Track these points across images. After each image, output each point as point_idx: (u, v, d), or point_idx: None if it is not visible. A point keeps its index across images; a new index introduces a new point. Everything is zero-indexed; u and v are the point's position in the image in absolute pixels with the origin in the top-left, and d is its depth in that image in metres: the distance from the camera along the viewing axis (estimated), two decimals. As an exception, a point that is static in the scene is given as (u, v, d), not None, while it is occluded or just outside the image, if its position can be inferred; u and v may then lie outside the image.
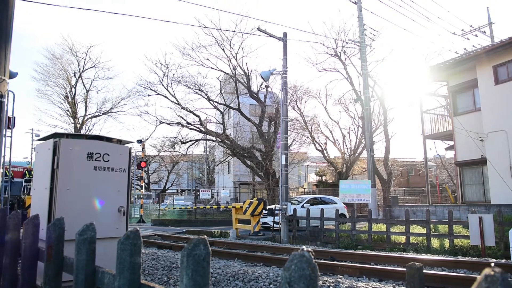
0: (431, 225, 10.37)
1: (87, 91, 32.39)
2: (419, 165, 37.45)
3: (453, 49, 29.18)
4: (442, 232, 10.21)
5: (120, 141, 4.65)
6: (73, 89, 31.96)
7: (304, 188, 36.93)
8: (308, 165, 42.48)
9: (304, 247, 1.15)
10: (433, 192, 25.22)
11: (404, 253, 8.97)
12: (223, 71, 23.91)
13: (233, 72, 23.32)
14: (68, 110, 31.93)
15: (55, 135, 4.28)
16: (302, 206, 14.96)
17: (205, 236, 1.54)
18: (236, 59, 23.11)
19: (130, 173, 4.55)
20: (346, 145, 31.95)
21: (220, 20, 27.97)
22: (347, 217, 14.98)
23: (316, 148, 31.05)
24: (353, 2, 18.61)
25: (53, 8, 59.59)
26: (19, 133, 68.29)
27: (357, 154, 31.30)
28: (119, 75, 58.40)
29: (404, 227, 9.94)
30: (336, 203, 16.23)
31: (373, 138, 26.72)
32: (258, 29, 11.95)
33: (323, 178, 34.96)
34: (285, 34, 12.37)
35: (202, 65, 23.60)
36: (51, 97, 31.47)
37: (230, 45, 22.72)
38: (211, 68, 23.64)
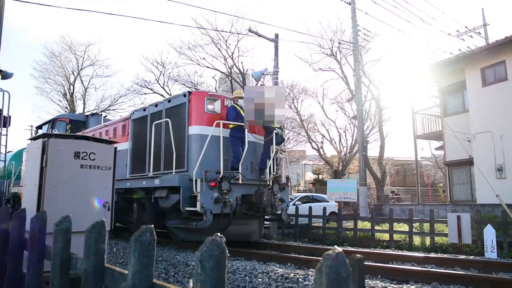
0: (418, 224, 10.73)
1: (86, 89, 32.74)
2: (414, 164, 37.75)
3: (448, 50, 29.48)
4: (426, 230, 10.52)
5: (106, 141, 4.97)
6: (71, 87, 32.28)
7: (300, 186, 37.25)
8: (305, 164, 42.82)
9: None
10: (426, 191, 25.56)
11: (387, 250, 9.30)
12: (219, 70, 24.25)
13: (229, 71, 23.64)
14: (66, 108, 32.26)
15: (44, 135, 4.60)
16: (294, 204, 15.28)
17: (152, 226, 1.86)
18: (232, 59, 23.44)
19: (115, 170, 4.87)
20: (342, 144, 32.25)
21: (216, 20, 28.37)
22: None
23: (313, 147, 31.37)
24: (347, 3, 18.89)
25: (50, 6, 59.92)
26: (18, 129, 68.65)
27: (353, 153, 31.60)
28: (118, 73, 58.64)
29: (388, 225, 10.27)
30: (328, 201, 16.55)
31: (368, 137, 27.10)
32: (250, 30, 12.28)
33: (320, 176, 35.28)
34: (276, 36, 12.68)
35: (199, 64, 23.96)
36: (50, 94, 31.86)
37: (226, 45, 23.07)
38: (207, 67, 24.00)
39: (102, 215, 4.80)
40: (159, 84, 24.85)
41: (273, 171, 8.81)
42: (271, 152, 8.58)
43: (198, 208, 6.90)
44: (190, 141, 7.86)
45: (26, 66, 54.45)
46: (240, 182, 7.71)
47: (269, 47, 64.71)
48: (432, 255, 7.75)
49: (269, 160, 8.63)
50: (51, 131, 12.09)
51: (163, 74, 24.68)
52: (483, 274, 5.38)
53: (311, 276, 4.74)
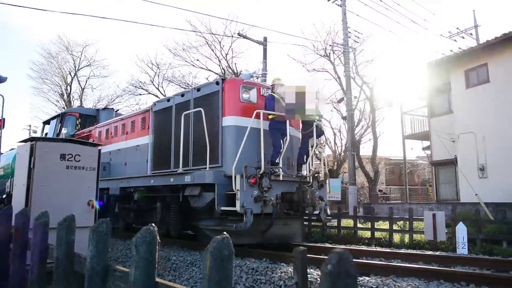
0: (402, 222, 11.14)
1: (83, 89, 33.26)
2: (409, 163, 38.17)
3: (440, 51, 29.78)
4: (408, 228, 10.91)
5: (90, 144, 5.36)
6: (68, 87, 32.72)
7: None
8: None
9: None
10: (417, 190, 25.97)
11: (368, 247, 9.68)
12: (213, 71, 24.65)
13: (223, 72, 24.01)
14: (63, 108, 32.66)
15: (32, 139, 4.98)
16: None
17: (108, 219, 2.24)
18: (226, 60, 23.83)
19: (99, 171, 5.25)
20: (337, 144, 32.65)
21: (210, 23, 28.82)
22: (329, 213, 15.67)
23: (307, 147, 31.70)
24: (338, 5, 19.25)
25: (47, 5, 60.18)
26: (16, 129, 69.11)
27: (347, 153, 31.95)
28: (115, 73, 59.04)
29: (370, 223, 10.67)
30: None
31: (363, 137, 27.48)
32: (239, 34, 12.67)
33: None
34: (265, 39, 13.08)
35: (193, 65, 24.36)
36: (47, 94, 32.28)
37: (220, 46, 23.47)
38: (201, 68, 24.41)
39: (86, 212, 5.19)
40: (154, 85, 25.29)
41: (312, 167, 8.14)
42: (309, 146, 7.96)
43: (237, 208, 6.20)
44: (224, 134, 7.15)
45: (26, 66, 54.79)
46: (281, 178, 7.01)
47: (275, 44, 65.07)
48: (402, 251, 8.14)
49: (308, 155, 8.03)
50: (60, 126, 11.92)
51: (158, 75, 25.10)
52: (430, 267, 5.82)
53: (279, 269, 5.14)
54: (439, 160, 15.96)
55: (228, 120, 7.20)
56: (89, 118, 12.66)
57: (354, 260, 1.05)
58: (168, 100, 8.75)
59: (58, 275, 2.49)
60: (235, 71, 24.23)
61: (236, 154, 6.58)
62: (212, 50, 23.52)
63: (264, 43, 13.16)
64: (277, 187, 6.90)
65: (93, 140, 10.94)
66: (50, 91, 32.43)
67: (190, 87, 26.07)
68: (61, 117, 12.33)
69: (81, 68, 32.84)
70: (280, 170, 7.01)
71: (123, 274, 1.92)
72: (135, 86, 25.92)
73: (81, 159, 5.10)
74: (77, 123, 12.34)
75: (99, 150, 5.32)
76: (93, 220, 5.12)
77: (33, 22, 62.20)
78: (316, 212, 7.70)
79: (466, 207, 12.07)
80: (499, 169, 12.79)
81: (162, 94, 25.22)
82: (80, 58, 32.50)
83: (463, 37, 27.11)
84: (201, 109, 7.17)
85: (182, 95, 8.36)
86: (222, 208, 6.53)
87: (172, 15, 50.10)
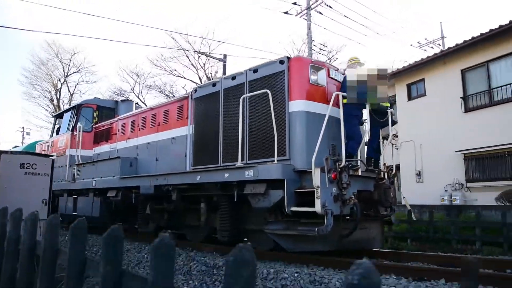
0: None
1: (71, 95, 34.51)
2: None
3: (409, 61, 31.35)
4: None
5: (45, 155, 6.85)
6: (58, 93, 33.96)
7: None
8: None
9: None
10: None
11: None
12: (192, 80, 26.16)
13: (201, 81, 25.48)
14: (53, 112, 33.89)
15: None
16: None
17: (56, 214, 3.63)
18: (203, 69, 25.33)
19: (52, 176, 6.76)
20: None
21: (188, 37, 30.30)
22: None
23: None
24: (305, 19, 20.44)
25: (36, 10, 61.31)
26: (10, 131, 70.26)
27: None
28: (103, 79, 60.51)
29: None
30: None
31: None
32: (199, 52, 14.16)
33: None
34: (225, 56, 14.51)
35: (172, 74, 25.90)
36: (38, 99, 33.54)
37: (198, 55, 25.00)
38: (179, 76, 26.01)
39: (41, 209, 6.68)
40: (134, 93, 26.84)
41: (384, 161, 6.90)
42: (380, 137, 7.04)
43: (317, 209, 5.19)
44: (292, 121, 6.06)
45: (21, 68, 56.03)
46: (360, 173, 6.03)
47: (241, 58, 67.60)
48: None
49: (381, 147, 7.03)
50: (76, 119, 11.03)
51: (138, 83, 26.68)
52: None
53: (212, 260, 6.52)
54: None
55: (297, 105, 6.10)
56: (107, 110, 11.68)
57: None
58: (214, 85, 7.55)
59: (23, 257, 3.22)
60: (211, 79, 25.81)
61: (306, 144, 5.83)
62: (190, 61, 25.04)
63: (224, 60, 14.62)
64: (353, 184, 5.82)
65: (116, 134, 10.24)
66: (41, 96, 33.66)
67: (172, 95, 27.60)
68: (76, 109, 11.22)
69: (70, 74, 34.11)
70: (360, 163, 6.06)
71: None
72: (117, 94, 27.40)
73: (37, 167, 6.54)
74: (94, 115, 11.45)
75: (53, 160, 6.81)
76: (46, 215, 6.58)
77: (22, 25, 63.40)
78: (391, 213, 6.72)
79: (400, 209, 13.61)
80: (432, 174, 14.37)
81: (142, 102, 26.72)
82: (69, 65, 33.80)
83: (432, 47, 28.82)
84: (267, 90, 6.04)
85: (233, 78, 7.19)
86: (293, 208, 5.45)
87: (154, 29, 52.18)
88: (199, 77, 25.23)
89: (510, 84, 12.52)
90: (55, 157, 9.29)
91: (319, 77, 6.40)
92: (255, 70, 6.78)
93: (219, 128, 7.14)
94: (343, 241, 5.75)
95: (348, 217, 5.69)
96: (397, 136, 6.98)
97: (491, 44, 12.75)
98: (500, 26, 12.19)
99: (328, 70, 6.64)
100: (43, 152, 11.45)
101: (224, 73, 14.40)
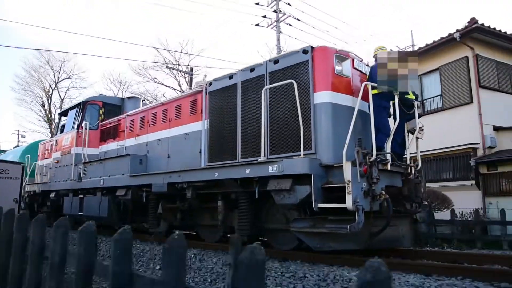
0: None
1: (62, 100, 35.30)
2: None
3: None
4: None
5: (16, 163, 7.27)
6: (49, 99, 35.00)
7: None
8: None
9: None
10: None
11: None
12: (172, 88, 26.57)
13: (181, 88, 25.96)
14: (45, 117, 35.17)
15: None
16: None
17: (44, 214, 3.36)
18: (184, 77, 25.16)
19: (23, 179, 6.98)
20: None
21: (168, 45, 30.27)
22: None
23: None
24: (275, 30, 20.55)
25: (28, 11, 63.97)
26: (6, 134, 74.59)
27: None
28: (93, 85, 62.01)
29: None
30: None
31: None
32: (167, 67, 14.10)
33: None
34: (191, 69, 14.16)
35: (154, 82, 26.59)
36: (30, 104, 34.79)
37: (178, 64, 25.12)
38: (162, 84, 26.63)
39: (12, 206, 7.11)
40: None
41: (410, 155, 6.62)
42: (406, 131, 6.71)
43: (348, 205, 4.92)
44: (317, 113, 5.79)
45: (18, 69, 58.81)
46: (389, 168, 5.71)
47: (222, 67, 68.62)
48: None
49: (406, 141, 6.69)
50: (81, 116, 10.75)
51: (122, 91, 27.38)
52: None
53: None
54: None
55: (322, 96, 5.83)
56: (113, 107, 11.46)
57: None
58: (231, 77, 7.23)
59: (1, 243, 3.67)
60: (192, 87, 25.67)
61: (333, 137, 5.59)
62: (170, 69, 24.58)
63: (190, 73, 14.39)
64: (382, 179, 5.50)
65: (124, 131, 9.91)
66: (33, 101, 34.66)
67: (155, 100, 27.28)
68: (82, 106, 10.96)
69: (61, 80, 35.08)
70: (390, 156, 5.75)
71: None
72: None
73: (10, 172, 7.59)
74: (100, 112, 11.19)
75: (23, 166, 7.20)
76: (16, 211, 6.75)
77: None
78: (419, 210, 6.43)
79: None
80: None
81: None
82: (59, 72, 34.73)
83: (404, 54, 27.13)
84: (292, 80, 5.77)
85: (252, 70, 6.86)
86: (321, 205, 5.20)
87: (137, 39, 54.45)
88: (179, 84, 25.55)
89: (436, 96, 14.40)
90: (24, 164, 10.65)
91: (344, 67, 6.16)
92: (275, 61, 6.51)
93: (237, 122, 6.87)
94: (373, 239, 5.53)
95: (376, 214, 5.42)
96: (422, 129, 6.74)
97: (424, 59, 13.85)
98: (426, 45, 14.11)
99: (353, 60, 6.37)
100: (46, 151, 11.62)
101: (190, 86, 14.08)
